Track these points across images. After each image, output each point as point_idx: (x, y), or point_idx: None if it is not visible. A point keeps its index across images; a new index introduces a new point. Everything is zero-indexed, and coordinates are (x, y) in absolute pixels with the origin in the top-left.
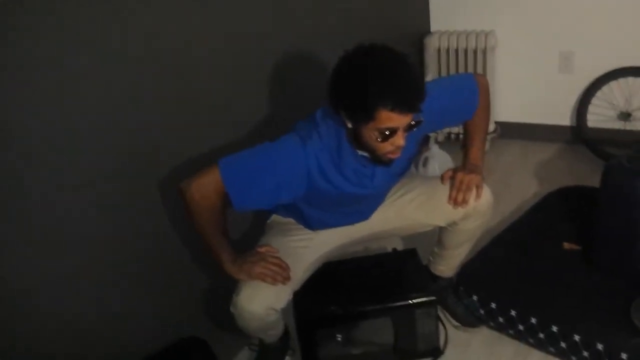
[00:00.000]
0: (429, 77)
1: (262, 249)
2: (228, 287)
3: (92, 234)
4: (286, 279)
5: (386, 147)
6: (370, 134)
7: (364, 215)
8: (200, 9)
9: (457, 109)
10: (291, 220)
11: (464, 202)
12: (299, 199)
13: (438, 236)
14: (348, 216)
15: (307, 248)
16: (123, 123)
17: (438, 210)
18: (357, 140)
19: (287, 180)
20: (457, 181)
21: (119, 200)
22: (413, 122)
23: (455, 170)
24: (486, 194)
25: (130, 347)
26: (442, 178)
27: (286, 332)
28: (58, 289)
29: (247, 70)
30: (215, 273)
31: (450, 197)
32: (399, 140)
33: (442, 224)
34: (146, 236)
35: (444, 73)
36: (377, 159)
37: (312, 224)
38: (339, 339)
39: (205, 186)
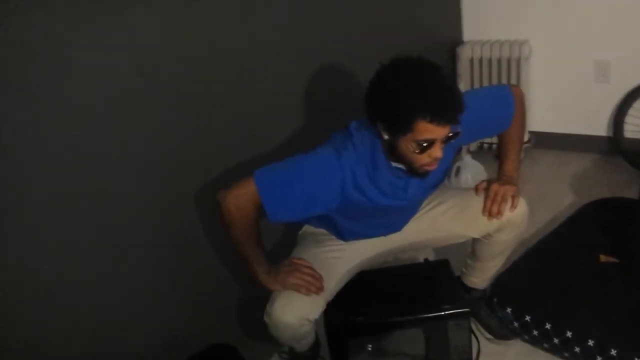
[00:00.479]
0: (462, 87)
1: (296, 260)
2: (260, 295)
3: (125, 239)
4: (320, 289)
5: (423, 159)
6: (407, 145)
7: (397, 226)
8: (243, 16)
9: (492, 121)
10: (323, 230)
11: (499, 213)
12: (332, 211)
13: (471, 247)
14: (381, 227)
15: (339, 259)
16: (161, 130)
17: (472, 221)
18: (393, 153)
19: (321, 192)
20: (491, 192)
21: (152, 207)
22: (451, 134)
23: (489, 182)
24: (521, 205)
25: (161, 353)
26: (476, 189)
27: (317, 341)
28: (87, 296)
29: (283, 81)
30: (247, 281)
31: (484, 208)
32: (437, 152)
33: (476, 235)
34: (179, 243)
35: (476, 83)
36: (413, 171)
37: (345, 235)
38: (370, 348)
39: (241, 197)
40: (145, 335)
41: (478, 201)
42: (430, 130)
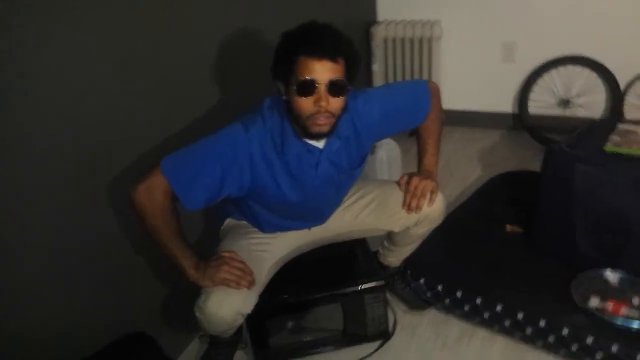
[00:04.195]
0: (376, 66)
1: (225, 254)
2: (174, 282)
3: (38, 230)
4: (251, 283)
5: (309, 107)
6: (295, 97)
7: (319, 219)
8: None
9: (408, 113)
10: (245, 223)
11: (418, 208)
12: (248, 193)
13: (387, 233)
14: (302, 220)
15: (266, 252)
16: (73, 123)
17: (393, 216)
18: (291, 113)
19: (230, 167)
20: (411, 186)
21: (70, 203)
22: (335, 79)
23: (410, 176)
24: (439, 200)
25: (72, 344)
26: (398, 184)
27: (239, 327)
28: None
29: (189, 64)
30: (164, 272)
31: (404, 202)
32: (322, 99)
33: (397, 229)
34: (92, 233)
35: (390, 62)
36: (306, 130)
37: (264, 227)
38: (290, 326)
39: (152, 189)
40: (58, 326)
41: (398, 195)
42: (309, 67)
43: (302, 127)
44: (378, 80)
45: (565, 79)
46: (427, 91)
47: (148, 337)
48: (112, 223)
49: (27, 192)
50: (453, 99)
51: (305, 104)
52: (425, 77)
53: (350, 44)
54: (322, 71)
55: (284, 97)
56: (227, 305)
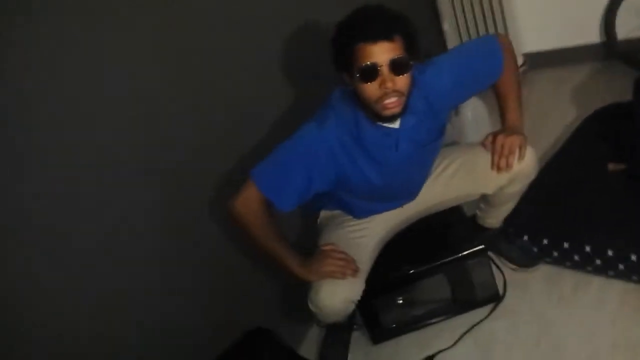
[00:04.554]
0: (446, 25)
1: (326, 247)
2: (286, 276)
3: (140, 241)
4: (355, 270)
5: (375, 91)
6: (360, 84)
7: (410, 196)
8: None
9: (482, 73)
10: (339, 212)
11: (508, 166)
12: (336, 186)
13: (482, 195)
14: (393, 201)
15: (364, 237)
16: (164, 137)
17: (483, 178)
18: (361, 101)
19: (314, 165)
20: (497, 146)
21: (164, 209)
22: (396, 57)
23: (495, 135)
24: (529, 154)
25: (194, 347)
26: (483, 144)
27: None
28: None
29: (258, 68)
30: (272, 267)
31: (492, 163)
32: (387, 80)
33: (490, 191)
34: (197, 240)
35: (460, 18)
36: (378, 114)
37: (358, 213)
38: (400, 301)
39: (247, 200)
40: (175, 334)
41: (486, 157)
42: (368, 52)
43: (373, 112)
44: (452, 39)
45: None
46: (498, 47)
47: (266, 331)
48: (214, 231)
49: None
50: (534, 40)
51: (371, 89)
52: (499, 25)
53: (403, 19)
54: (381, 53)
55: (351, 87)
56: (337, 296)
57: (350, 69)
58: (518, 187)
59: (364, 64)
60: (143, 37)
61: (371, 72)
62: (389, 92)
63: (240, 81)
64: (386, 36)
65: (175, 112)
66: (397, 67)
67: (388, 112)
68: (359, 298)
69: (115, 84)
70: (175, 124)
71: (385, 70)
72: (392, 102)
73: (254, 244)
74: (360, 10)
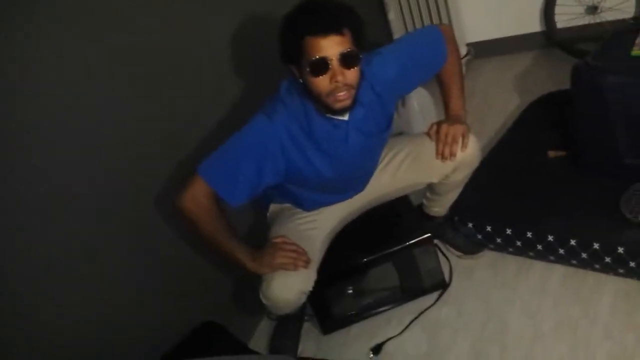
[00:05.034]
0: (392, 14)
1: (277, 240)
2: (236, 271)
3: (101, 239)
4: (307, 262)
5: (325, 85)
6: (309, 76)
7: (359, 187)
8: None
9: (426, 62)
10: (288, 205)
11: (452, 155)
12: (286, 178)
13: (428, 184)
14: (342, 192)
15: (315, 229)
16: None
17: (428, 167)
18: (310, 94)
19: (264, 157)
20: (441, 135)
21: (117, 209)
22: (346, 51)
23: (439, 124)
24: (472, 143)
25: (146, 342)
26: (428, 134)
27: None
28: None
29: (203, 65)
30: (222, 262)
31: (437, 151)
32: (337, 74)
33: (435, 180)
34: (152, 236)
35: (405, 8)
36: (328, 107)
37: (307, 206)
38: (349, 291)
39: (196, 196)
40: (128, 330)
41: (430, 146)
42: (317, 45)
43: (324, 105)
44: (397, 28)
45: None
46: (440, 36)
47: (217, 325)
48: (164, 230)
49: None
50: (477, 30)
51: (322, 82)
52: (443, 13)
53: (351, 12)
54: (331, 46)
55: (300, 80)
56: (289, 287)
57: (299, 62)
58: (462, 175)
59: (313, 58)
60: (84, 34)
61: (321, 66)
62: (340, 85)
63: (186, 76)
64: (336, 30)
65: (123, 107)
66: (347, 60)
67: (339, 105)
68: (310, 289)
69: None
70: (123, 119)
71: (335, 63)
72: (342, 95)
73: (204, 238)
74: (308, 3)
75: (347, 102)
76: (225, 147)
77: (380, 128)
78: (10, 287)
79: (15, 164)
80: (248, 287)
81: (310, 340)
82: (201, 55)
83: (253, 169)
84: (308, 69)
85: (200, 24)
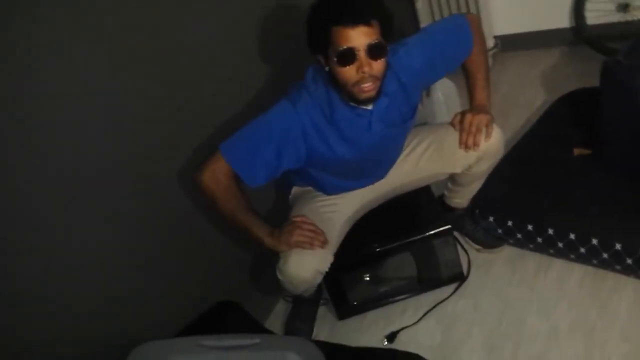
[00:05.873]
0: (419, 3)
1: (296, 218)
2: (254, 251)
3: (117, 215)
4: (324, 242)
5: (352, 75)
6: (336, 67)
7: (381, 175)
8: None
9: (452, 52)
10: (310, 188)
11: (475, 144)
12: (306, 164)
13: (450, 175)
14: (364, 179)
15: (335, 212)
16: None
17: (452, 157)
18: (336, 83)
19: (285, 143)
20: (465, 124)
21: (139, 184)
22: (373, 43)
23: (463, 114)
24: (496, 133)
25: (164, 321)
26: (452, 124)
27: (319, 285)
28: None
29: (234, 46)
30: (241, 240)
31: (460, 141)
32: (364, 64)
33: (458, 170)
34: (170, 213)
35: None
36: (353, 97)
37: (328, 190)
38: (367, 278)
39: (215, 172)
40: (145, 306)
41: (454, 136)
42: (345, 36)
43: (349, 95)
44: (424, 18)
45: None
46: (467, 26)
47: (235, 304)
48: (184, 206)
49: (105, 190)
50: (506, 23)
51: (349, 72)
52: (472, 6)
53: (380, 3)
54: (359, 37)
55: (326, 68)
56: (306, 265)
57: (326, 52)
58: (485, 166)
59: (341, 48)
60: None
61: (348, 56)
62: (366, 76)
63: (216, 58)
64: (364, 21)
65: (150, 86)
66: (374, 51)
67: (364, 96)
68: (326, 270)
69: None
70: (151, 96)
71: (362, 54)
72: (368, 86)
73: (222, 213)
74: None
75: (372, 93)
76: (247, 129)
77: (404, 118)
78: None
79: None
80: (266, 266)
81: (325, 324)
82: (231, 36)
83: (273, 153)
84: (335, 59)
85: (232, 7)
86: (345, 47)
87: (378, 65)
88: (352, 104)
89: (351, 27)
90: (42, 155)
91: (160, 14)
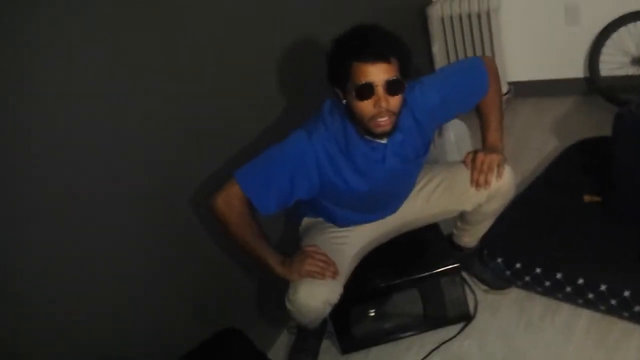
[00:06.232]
0: (436, 47)
1: (308, 248)
2: (260, 279)
3: (122, 238)
4: (335, 273)
5: (369, 109)
6: (354, 101)
7: (392, 209)
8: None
9: (467, 93)
10: (321, 219)
11: (487, 183)
12: (319, 194)
13: (460, 213)
14: (375, 212)
15: (345, 244)
16: (155, 133)
17: (463, 195)
18: (353, 117)
19: (298, 172)
20: (477, 163)
21: (146, 205)
22: (392, 79)
23: (475, 153)
24: (507, 173)
25: (166, 345)
26: (463, 162)
27: (325, 318)
28: (84, 295)
29: (254, 75)
30: (246, 267)
31: (472, 179)
32: (381, 100)
33: (469, 208)
34: (173, 238)
35: (450, 41)
36: (369, 131)
37: (339, 222)
38: (372, 313)
39: (230, 198)
40: (148, 332)
41: (466, 174)
42: (365, 71)
43: (365, 128)
44: (439, 61)
45: (636, 36)
46: (483, 68)
47: (238, 332)
48: (190, 234)
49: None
50: (520, 70)
51: (366, 107)
52: (487, 51)
53: (400, 41)
54: (378, 73)
55: (344, 101)
56: (316, 296)
57: (344, 85)
58: (496, 206)
59: (360, 83)
60: (142, 39)
61: (367, 91)
62: (383, 111)
63: (235, 86)
64: (384, 58)
65: (170, 110)
66: (391, 87)
67: (380, 130)
68: (336, 301)
69: (111, 83)
70: (169, 121)
71: (380, 90)
72: (384, 121)
73: (234, 239)
74: (359, 29)
75: (388, 128)
76: (262, 157)
77: (417, 154)
78: (21, 288)
79: (40, 162)
80: (271, 296)
81: (328, 358)
82: (250, 68)
83: (287, 182)
84: (354, 93)
85: (259, 33)
86: (364, 82)
87: (395, 101)
88: (367, 137)
89: (371, 63)
90: (55, 179)
91: (178, 42)
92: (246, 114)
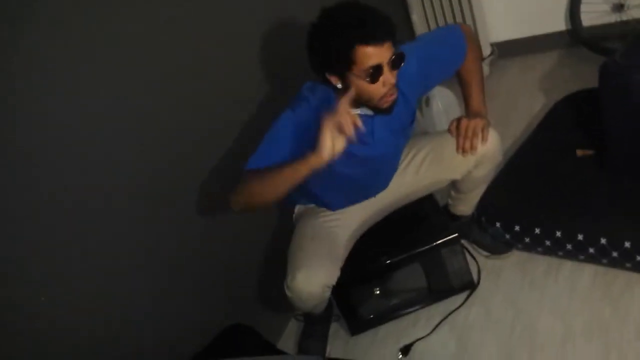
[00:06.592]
0: (415, 16)
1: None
2: (263, 273)
3: (128, 235)
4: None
5: (379, 89)
6: (359, 82)
7: (383, 184)
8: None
9: (447, 58)
10: (313, 205)
11: (472, 148)
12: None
13: (452, 182)
14: (365, 190)
15: (339, 227)
16: (161, 131)
17: (451, 163)
18: (359, 98)
19: (295, 146)
20: (462, 129)
21: (153, 199)
22: (395, 55)
23: (459, 120)
24: (493, 137)
25: (176, 343)
26: (449, 130)
27: (329, 302)
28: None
29: (238, 69)
30: (250, 260)
31: (457, 145)
32: (389, 77)
33: (458, 176)
34: (179, 235)
35: (428, 9)
36: (377, 108)
37: (332, 205)
38: (377, 292)
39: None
40: (158, 331)
41: (451, 142)
42: (371, 54)
43: (372, 106)
44: (420, 30)
45: None
46: (461, 35)
47: (246, 327)
48: (196, 232)
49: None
50: (501, 30)
51: (377, 88)
52: (467, 13)
53: (389, 16)
54: (383, 53)
55: (339, 86)
56: (313, 281)
57: (343, 71)
58: (485, 171)
59: (370, 66)
60: (138, 39)
61: (377, 73)
62: (392, 87)
63: (235, 86)
64: (389, 37)
65: (170, 110)
66: (395, 63)
67: (387, 104)
68: (334, 283)
69: (111, 82)
70: (169, 121)
71: (386, 68)
72: (392, 96)
73: (265, 192)
74: (353, 11)
75: (394, 99)
76: (261, 145)
77: (403, 125)
78: (21, 288)
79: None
80: (274, 287)
81: (338, 341)
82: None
83: (286, 156)
84: (366, 77)
85: (250, 35)
86: (373, 64)
87: (395, 74)
88: (352, 111)
89: (380, 45)
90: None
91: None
92: (246, 113)
